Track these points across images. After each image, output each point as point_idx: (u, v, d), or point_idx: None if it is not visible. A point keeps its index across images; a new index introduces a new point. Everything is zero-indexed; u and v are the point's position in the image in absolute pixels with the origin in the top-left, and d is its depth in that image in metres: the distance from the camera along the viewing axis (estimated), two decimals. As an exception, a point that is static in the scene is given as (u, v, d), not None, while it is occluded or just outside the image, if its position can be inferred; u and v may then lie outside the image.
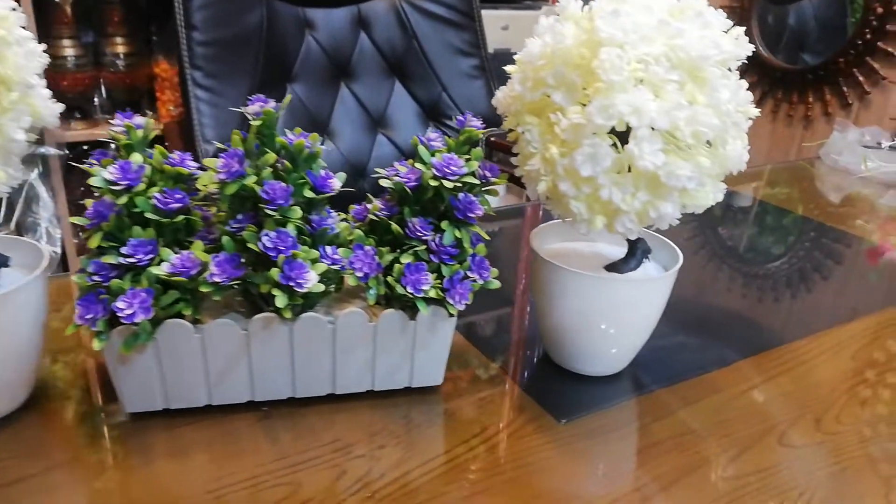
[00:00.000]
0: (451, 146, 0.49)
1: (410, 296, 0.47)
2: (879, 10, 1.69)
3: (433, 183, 0.47)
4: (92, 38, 1.69)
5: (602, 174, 0.43)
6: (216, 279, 0.43)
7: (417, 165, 0.48)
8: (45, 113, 0.46)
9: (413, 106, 1.25)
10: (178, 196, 0.45)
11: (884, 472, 0.48)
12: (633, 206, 0.44)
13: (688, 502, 0.44)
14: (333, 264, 0.45)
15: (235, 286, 0.46)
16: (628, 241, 0.53)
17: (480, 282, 0.49)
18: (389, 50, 1.22)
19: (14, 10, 0.43)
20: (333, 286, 0.50)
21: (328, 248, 0.46)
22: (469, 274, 0.48)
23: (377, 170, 0.51)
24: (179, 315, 0.45)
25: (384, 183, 0.50)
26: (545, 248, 0.58)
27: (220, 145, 0.46)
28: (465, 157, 0.48)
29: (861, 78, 1.76)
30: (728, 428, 0.52)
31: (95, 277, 0.44)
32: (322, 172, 0.47)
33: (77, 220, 0.44)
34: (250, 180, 0.43)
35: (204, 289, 0.43)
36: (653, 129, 0.41)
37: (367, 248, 0.47)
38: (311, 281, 0.44)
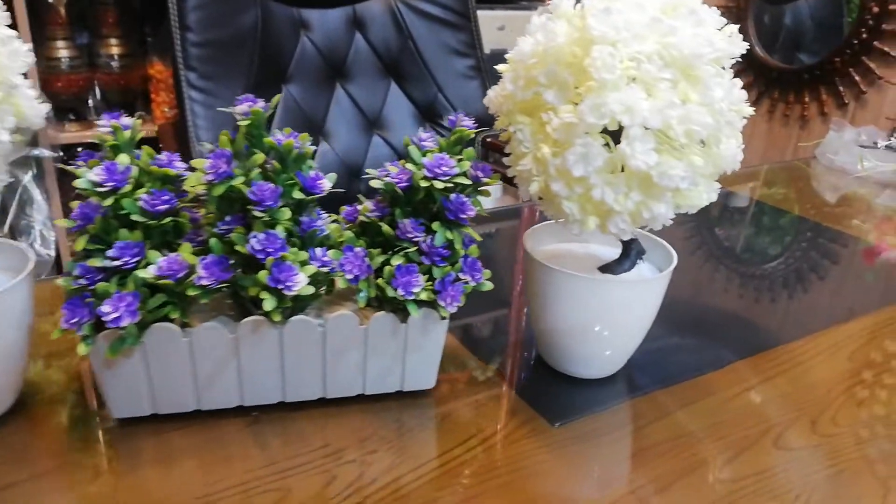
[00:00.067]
0: (443, 146, 0.49)
1: (401, 298, 0.46)
2: (875, 9, 1.69)
3: (424, 183, 0.46)
4: (86, 40, 1.68)
5: (594, 174, 0.42)
6: (204, 282, 0.42)
7: (408, 166, 0.48)
8: (29, 114, 0.45)
9: (409, 107, 1.25)
10: (165, 198, 0.44)
11: (881, 473, 0.48)
12: (625, 207, 0.44)
13: (683, 506, 0.44)
14: (323, 266, 0.45)
15: (224, 289, 0.45)
16: (622, 241, 0.53)
17: (473, 283, 0.48)
18: (385, 50, 1.21)
19: (-3, 9, 0.43)
20: (324, 289, 0.49)
21: (318, 250, 0.45)
22: (461, 276, 0.48)
23: (368, 170, 0.51)
24: (167, 318, 0.45)
25: (375, 184, 0.49)
26: (539, 250, 0.57)
27: (209, 146, 0.45)
28: (456, 158, 0.48)
29: (857, 77, 1.76)
30: (724, 430, 0.51)
31: (81, 281, 0.43)
32: (312, 173, 0.46)
33: (63, 222, 0.44)
34: (238, 181, 0.43)
35: (191, 292, 0.43)
36: (645, 128, 0.41)
37: (358, 249, 0.47)
38: (300, 283, 0.43)
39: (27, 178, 1.57)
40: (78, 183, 0.42)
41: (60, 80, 1.61)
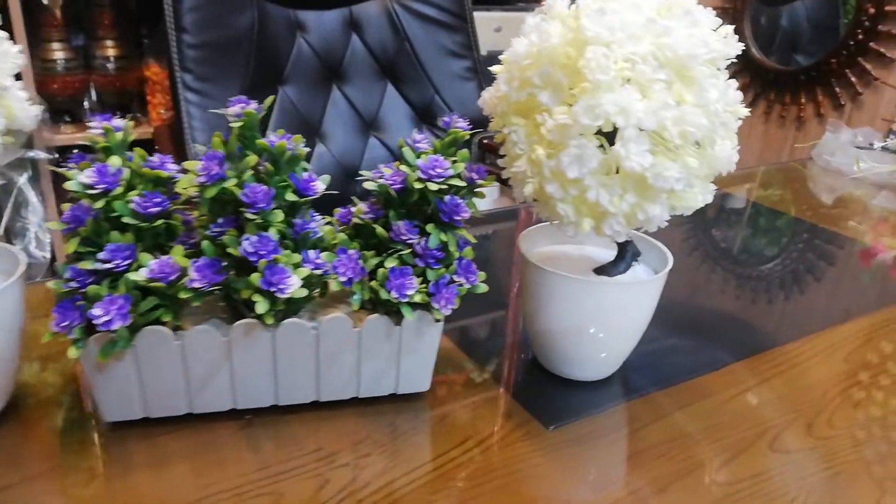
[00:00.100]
0: (437, 148, 0.48)
1: (395, 301, 0.46)
2: (871, 10, 1.69)
3: (418, 185, 0.46)
4: (82, 41, 1.68)
5: (589, 175, 0.42)
6: (196, 285, 0.42)
7: (402, 167, 0.48)
8: (20, 115, 0.45)
9: (405, 108, 1.25)
10: (157, 200, 0.44)
11: (877, 475, 0.47)
12: (620, 208, 0.43)
13: (678, 510, 0.44)
14: (316, 269, 0.44)
15: (216, 292, 0.45)
16: (617, 243, 0.52)
17: (467, 286, 0.48)
18: (381, 52, 1.21)
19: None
20: (317, 291, 0.49)
21: (311, 253, 0.45)
22: (455, 278, 0.48)
23: (362, 172, 0.50)
24: (159, 321, 0.44)
25: (369, 185, 0.49)
26: (534, 252, 0.57)
27: (202, 147, 0.45)
28: (451, 159, 0.47)
29: (853, 79, 1.76)
30: (720, 433, 0.51)
31: (72, 283, 0.43)
32: (305, 175, 0.46)
33: (54, 224, 0.43)
34: (230, 183, 0.42)
35: (183, 295, 0.42)
36: (640, 129, 0.41)
37: (351, 251, 0.46)
38: (292, 286, 0.43)
39: (22, 179, 1.57)
40: (69, 185, 0.42)
41: (56, 82, 1.60)
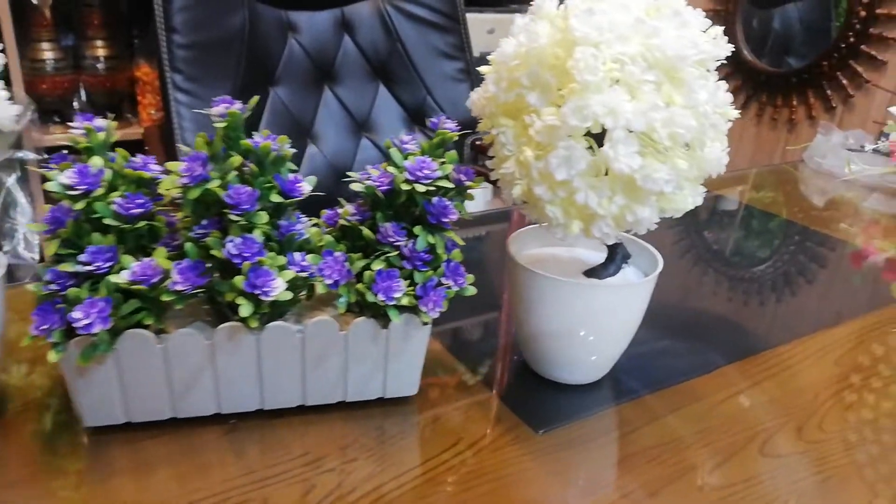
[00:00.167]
0: (425, 149, 0.48)
1: (382, 304, 0.45)
2: (862, 13, 1.70)
3: (405, 187, 0.45)
4: (72, 42, 1.66)
5: (577, 177, 0.42)
6: (178, 287, 0.41)
7: (390, 169, 0.47)
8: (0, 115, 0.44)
9: (398, 109, 1.24)
10: (139, 201, 0.43)
11: (868, 478, 0.47)
12: (609, 211, 0.43)
13: (668, 515, 0.43)
14: (302, 271, 0.44)
15: (201, 294, 0.44)
16: (607, 246, 0.52)
17: (455, 288, 0.47)
18: (373, 53, 1.21)
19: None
20: (303, 294, 0.48)
21: (297, 255, 0.44)
22: (443, 281, 0.47)
23: (349, 173, 0.50)
24: (141, 325, 0.43)
25: (356, 187, 0.48)
26: (523, 254, 0.57)
27: (186, 149, 0.44)
28: (439, 161, 0.47)
29: (845, 81, 1.77)
30: (711, 436, 0.50)
31: (52, 286, 0.42)
32: (291, 176, 0.45)
33: (35, 226, 0.43)
34: (214, 184, 0.42)
35: (165, 297, 0.42)
36: (629, 130, 0.40)
37: (337, 254, 0.46)
38: (277, 289, 0.42)
39: (11, 180, 1.55)
40: (48, 186, 0.41)
41: (45, 82, 1.59)
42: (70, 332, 0.42)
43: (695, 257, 0.85)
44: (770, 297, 0.75)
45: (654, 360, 0.60)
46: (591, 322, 0.51)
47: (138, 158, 0.45)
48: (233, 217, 0.42)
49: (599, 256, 0.55)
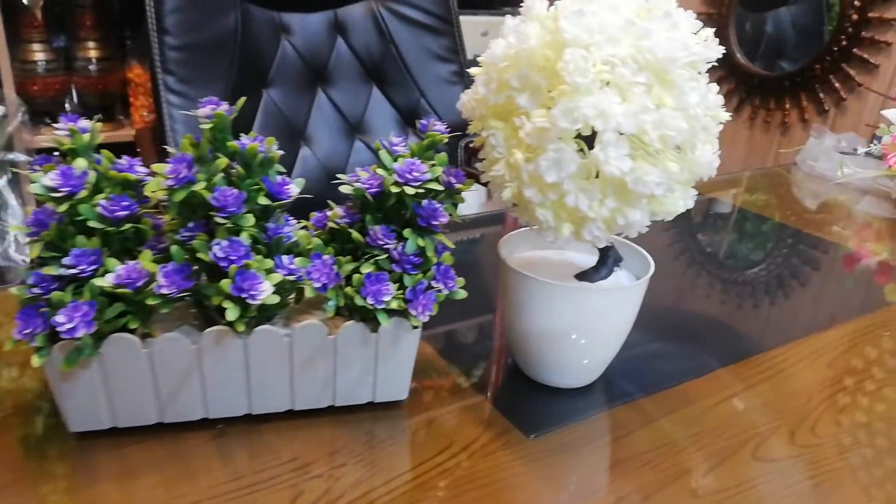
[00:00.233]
0: (415, 151, 0.48)
1: (371, 307, 0.45)
2: (855, 17, 1.70)
3: (395, 189, 0.45)
4: (63, 43, 1.65)
5: (567, 180, 0.41)
6: (164, 291, 0.41)
7: (379, 171, 0.47)
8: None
9: (391, 112, 1.24)
10: (125, 203, 0.42)
11: (862, 482, 0.47)
12: (600, 214, 0.43)
13: (659, 520, 0.43)
14: (290, 274, 0.43)
15: (187, 298, 0.44)
16: (599, 249, 0.52)
17: (445, 292, 0.47)
18: (367, 55, 1.20)
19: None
20: (292, 297, 0.48)
21: (284, 258, 0.44)
22: (433, 284, 0.47)
23: (339, 175, 0.49)
24: (126, 329, 0.43)
25: (345, 189, 0.48)
26: (515, 257, 0.56)
27: (172, 150, 0.44)
28: (429, 163, 0.47)
29: (837, 84, 1.77)
30: (704, 440, 0.50)
31: (35, 290, 0.41)
32: (279, 178, 0.45)
33: (17, 228, 0.42)
34: (199, 186, 0.41)
35: (151, 301, 0.41)
36: (619, 133, 0.40)
37: (326, 257, 0.45)
38: (264, 292, 0.42)
39: (1, 182, 1.54)
40: (32, 188, 0.40)
41: (37, 84, 1.58)
42: (54, 336, 0.41)
43: (688, 260, 0.85)
44: (763, 299, 0.75)
45: (647, 364, 0.59)
46: (582, 325, 0.50)
47: (124, 160, 0.44)
48: (219, 220, 0.41)
49: (591, 260, 0.55)
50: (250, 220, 0.42)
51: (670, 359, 0.61)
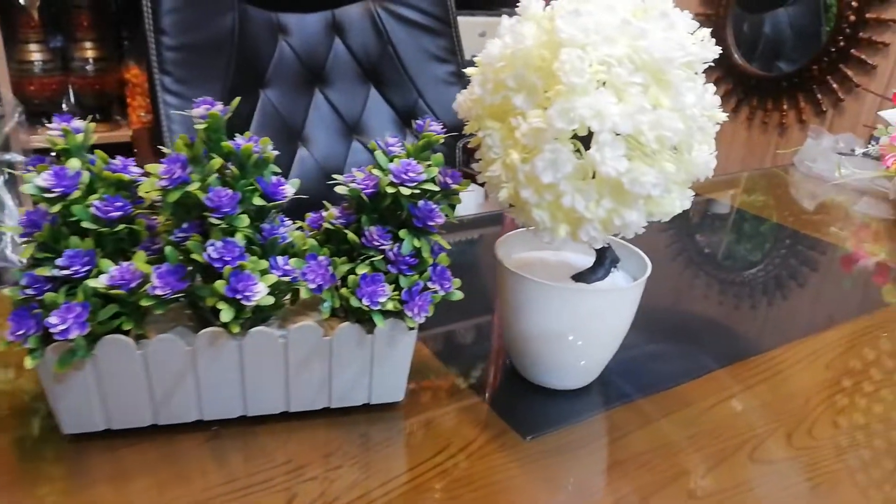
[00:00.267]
0: (411, 151, 0.47)
1: (366, 308, 0.44)
2: (852, 18, 1.71)
3: (391, 190, 0.45)
4: (60, 43, 1.65)
5: (564, 181, 0.41)
6: (158, 292, 0.41)
7: (375, 171, 0.46)
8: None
9: (389, 112, 1.23)
10: (118, 204, 0.42)
11: (859, 484, 0.47)
12: (596, 214, 0.42)
13: (656, 523, 0.43)
14: (285, 275, 0.43)
15: (182, 299, 0.43)
16: (595, 250, 0.52)
17: (442, 293, 0.47)
18: (364, 56, 1.20)
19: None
20: (287, 298, 0.48)
21: (279, 259, 0.44)
22: (429, 285, 0.46)
23: (335, 176, 0.49)
24: (120, 330, 0.43)
25: (340, 190, 0.47)
26: (512, 258, 0.56)
27: (167, 150, 0.44)
28: (424, 164, 0.46)
29: (835, 85, 1.77)
30: (701, 442, 0.50)
31: (28, 291, 0.41)
32: (274, 179, 0.45)
33: (8, 228, 0.42)
34: (194, 187, 0.41)
35: (145, 302, 0.41)
36: (616, 133, 0.40)
37: (321, 258, 0.45)
38: (259, 293, 0.41)
39: (-2, 183, 1.53)
40: (25, 188, 0.40)
41: (33, 84, 1.58)
42: (47, 337, 0.41)
43: (686, 261, 0.85)
44: (761, 300, 0.75)
45: (645, 365, 0.59)
46: (579, 327, 0.50)
47: (118, 160, 0.44)
48: (214, 220, 0.41)
49: (588, 260, 0.54)
50: (245, 220, 0.42)
51: (668, 360, 0.61)
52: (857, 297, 0.77)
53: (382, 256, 0.46)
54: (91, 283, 0.40)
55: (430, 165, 0.47)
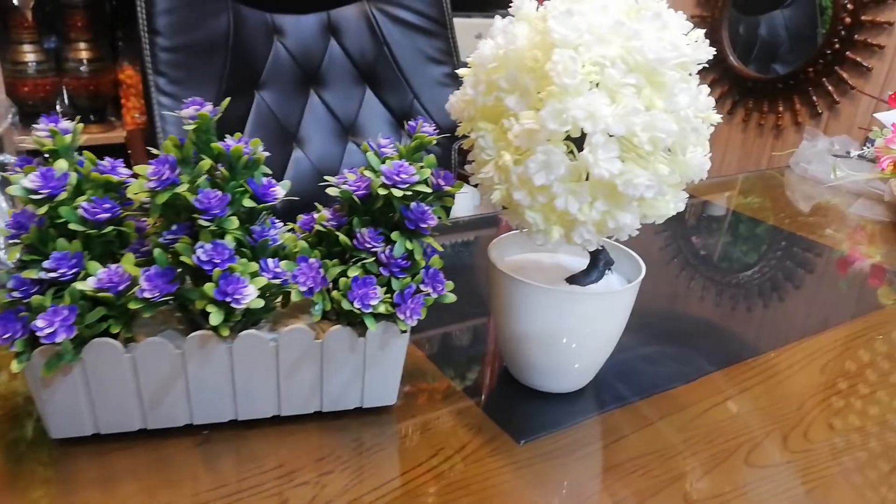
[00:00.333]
0: (403, 153, 0.47)
1: (358, 311, 0.44)
2: (847, 20, 1.71)
3: (382, 191, 0.44)
4: (54, 44, 1.64)
5: (557, 182, 0.41)
6: (146, 295, 0.40)
7: (367, 173, 0.46)
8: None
9: (384, 113, 1.23)
10: (106, 206, 0.42)
11: (855, 487, 0.46)
12: (590, 216, 0.42)
13: (650, 527, 0.42)
14: (275, 278, 0.43)
15: (171, 302, 0.43)
16: (590, 252, 0.51)
17: (434, 296, 0.46)
18: (360, 57, 1.20)
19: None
20: (278, 301, 0.47)
21: (270, 261, 0.43)
22: (422, 287, 0.46)
23: (328, 178, 0.49)
24: (108, 333, 0.42)
25: (332, 191, 0.47)
26: (505, 260, 0.56)
27: (156, 152, 0.43)
28: (417, 165, 0.46)
29: (830, 87, 1.78)
30: (697, 445, 0.49)
31: (15, 293, 0.40)
32: (264, 180, 0.44)
33: (-4, 231, 0.41)
34: (183, 188, 0.40)
35: (133, 305, 0.40)
36: (609, 135, 0.40)
37: (312, 260, 0.45)
38: (249, 296, 0.41)
39: (-9, 184, 1.52)
40: (11, 190, 0.39)
41: (27, 85, 1.57)
42: (34, 341, 0.40)
43: (682, 263, 0.85)
44: (757, 303, 0.74)
45: (639, 367, 0.59)
46: (573, 330, 0.50)
47: (106, 161, 0.43)
48: (203, 222, 0.41)
49: (582, 263, 0.54)
50: (235, 222, 0.41)
51: (662, 363, 0.60)
52: (853, 299, 0.77)
53: (374, 259, 0.45)
54: (78, 285, 0.40)
55: (422, 167, 0.46)
